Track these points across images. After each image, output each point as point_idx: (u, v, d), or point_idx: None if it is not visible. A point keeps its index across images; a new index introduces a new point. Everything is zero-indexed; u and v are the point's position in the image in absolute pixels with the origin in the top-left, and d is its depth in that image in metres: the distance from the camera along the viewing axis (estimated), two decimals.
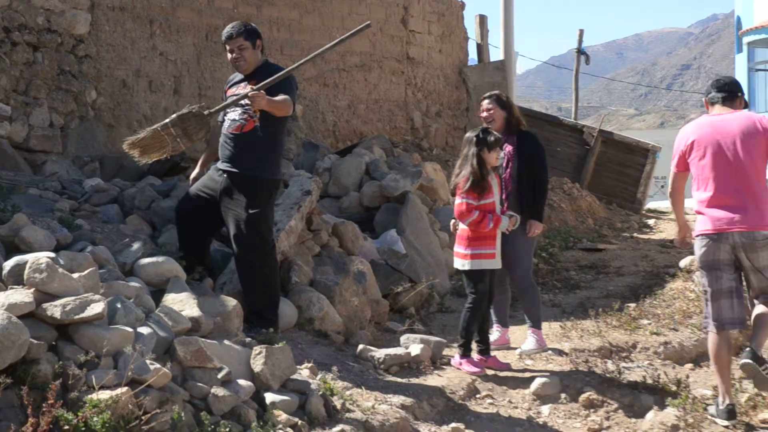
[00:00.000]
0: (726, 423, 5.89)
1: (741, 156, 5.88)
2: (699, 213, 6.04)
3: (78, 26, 10.36)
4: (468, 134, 7.04)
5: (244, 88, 6.76)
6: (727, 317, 5.96)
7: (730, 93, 6.20)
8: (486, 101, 7.47)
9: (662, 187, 32.82)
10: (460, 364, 6.95)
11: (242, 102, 6.59)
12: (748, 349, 5.78)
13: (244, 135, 6.69)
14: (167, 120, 6.62)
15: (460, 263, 6.97)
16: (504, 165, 7.26)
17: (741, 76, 22.59)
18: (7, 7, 9.54)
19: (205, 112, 6.68)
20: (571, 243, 14.24)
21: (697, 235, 6.05)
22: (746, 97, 7.11)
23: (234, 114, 6.77)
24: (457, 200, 6.94)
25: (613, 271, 11.95)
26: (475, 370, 6.86)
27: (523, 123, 7.55)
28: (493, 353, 7.18)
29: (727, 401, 5.93)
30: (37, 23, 9.85)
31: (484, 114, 7.42)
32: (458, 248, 7.01)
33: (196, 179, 7.10)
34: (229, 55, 6.88)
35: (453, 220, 7.32)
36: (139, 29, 11.34)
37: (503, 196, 7.13)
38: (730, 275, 5.96)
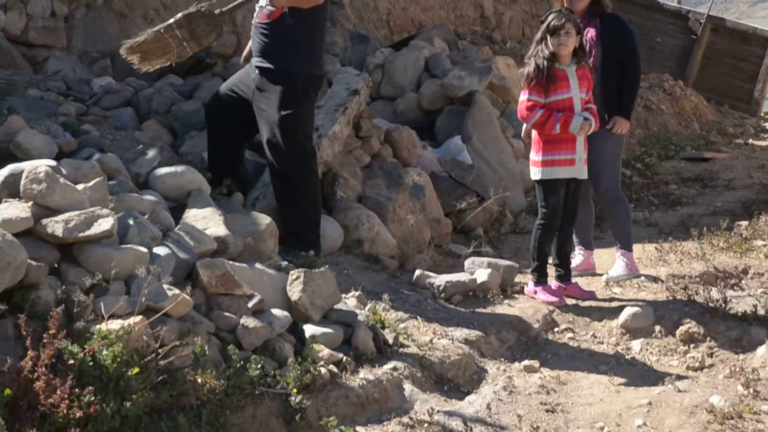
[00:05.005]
0: None
1: None
2: None
3: None
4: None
5: None
6: None
7: None
8: None
9: None
10: (535, 292, 6.94)
11: None
12: None
13: (272, 24, 6.62)
14: (171, 21, 6.62)
15: (533, 172, 6.91)
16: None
17: None
18: None
19: (216, 12, 6.65)
20: (672, 152, 14.09)
21: None
22: None
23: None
24: (521, 97, 6.86)
25: (723, 184, 11.82)
26: (552, 299, 6.84)
27: (608, 4, 7.38)
28: (574, 280, 7.15)
29: None
30: None
31: None
32: (531, 155, 6.95)
33: (247, 59, 7.05)
34: None
35: (525, 124, 7.23)
36: None
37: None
38: None
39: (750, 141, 15.90)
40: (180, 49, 6.61)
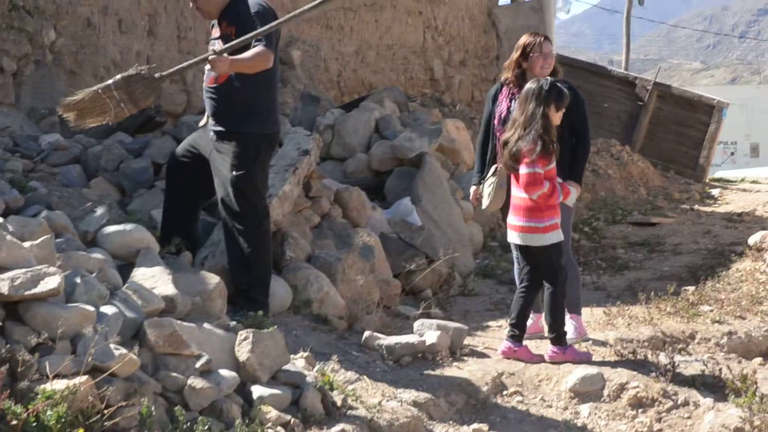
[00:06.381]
0: None
1: None
2: None
3: None
4: (529, 85, 6.88)
5: (216, 33, 6.80)
6: None
7: None
8: (547, 42, 7.35)
9: (732, 154, 32.51)
10: (514, 351, 6.95)
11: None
12: None
13: (220, 87, 6.73)
14: (110, 81, 6.65)
15: (542, 239, 6.87)
16: None
17: None
18: None
19: (156, 75, 6.70)
20: (620, 216, 14.25)
21: None
22: None
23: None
24: (523, 170, 6.77)
25: (669, 248, 11.94)
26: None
27: (559, 71, 7.48)
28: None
29: None
30: None
31: (550, 60, 7.30)
32: (531, 222, 6.89)
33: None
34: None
35: (474, 187, 7.34)
36: None
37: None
38: None
39: (696, 207, 16.11)
40: (117, 110, 6.63)
